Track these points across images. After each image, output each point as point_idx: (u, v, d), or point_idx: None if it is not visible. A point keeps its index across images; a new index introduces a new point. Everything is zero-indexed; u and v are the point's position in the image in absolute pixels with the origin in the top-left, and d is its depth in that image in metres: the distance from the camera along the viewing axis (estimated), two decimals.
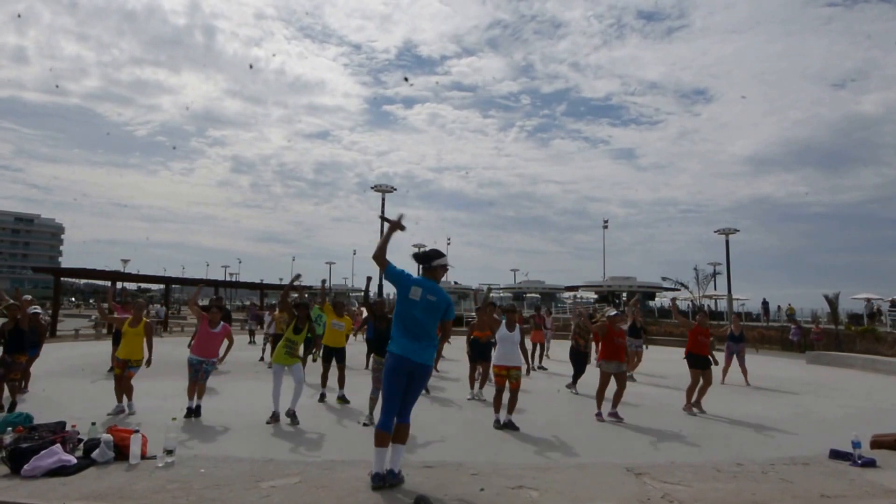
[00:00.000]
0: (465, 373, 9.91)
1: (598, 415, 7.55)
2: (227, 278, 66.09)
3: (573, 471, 4.61)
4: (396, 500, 3.91)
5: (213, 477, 4.38)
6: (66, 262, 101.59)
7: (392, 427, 4.22)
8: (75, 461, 4.60)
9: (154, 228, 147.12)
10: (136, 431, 4.87)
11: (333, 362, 8.61)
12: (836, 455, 5.26)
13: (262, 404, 7.22)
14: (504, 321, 7.23)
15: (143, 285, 55.94)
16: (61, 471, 4.40)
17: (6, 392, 7.33)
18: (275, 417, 6.87)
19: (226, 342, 7.47)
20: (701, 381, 8.27)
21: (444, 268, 4.52)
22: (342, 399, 8.34)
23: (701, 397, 8.34)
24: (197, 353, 7.14)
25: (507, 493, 4.09)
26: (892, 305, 27.58)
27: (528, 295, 53.83)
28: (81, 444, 4.95)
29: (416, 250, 4.73)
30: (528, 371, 10.58)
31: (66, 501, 3.81)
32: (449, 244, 62.49)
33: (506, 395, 6.95)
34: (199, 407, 7.06)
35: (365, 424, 6.79)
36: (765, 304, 34.48)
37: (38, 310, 9.71)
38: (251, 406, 7.65)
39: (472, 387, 9.37)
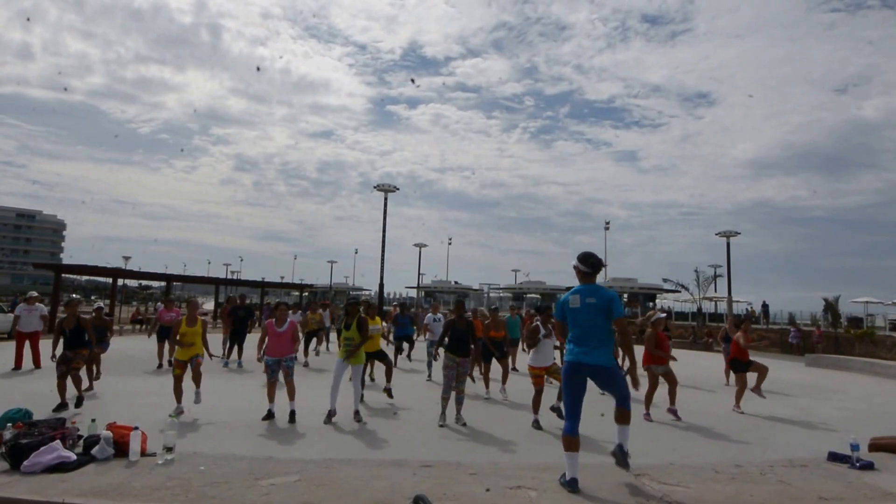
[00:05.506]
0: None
1: (647, 415, 7.74)
2: (229, 276, 66.06)
3: None
4: (395, 500, 3.92)
5: (212, 474, 4.39)
6: (67, 258, 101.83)
7: (577, 431, 4.27)
8: (75, 458, 4.62)
9: (156, 226, 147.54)
10: (136, 428, 4.89)
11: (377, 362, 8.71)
12: (834, 457, 5.29)
13: (262, 402, 7.23)
14: (540, 327, 7.29)
15: (145, 282, 56.05)
16: (61, 467, 4.42)
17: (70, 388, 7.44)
18: (331, 416, 6.86)
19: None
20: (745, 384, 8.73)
21: (576, 269, 4.57)
22: (388, 392, 8.30)
23: (741, 396, 8.71)
24: (271, 354, 7.13)
25: (506, 493, 4.10)
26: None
27: (529, 295, 53.86)
28: (81, 441, 4.98)
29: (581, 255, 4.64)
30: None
31: (65, 498, 3.83)
32: (450, 244, 62.69)
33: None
34: (293, 412, 6.82)
35: (441, 426, 6.78)
36: (765, 306, 34.64)
37: (102, 305, 10.22)
38: (251, 404, 7.65)
39: (486, 386, 9.31)
